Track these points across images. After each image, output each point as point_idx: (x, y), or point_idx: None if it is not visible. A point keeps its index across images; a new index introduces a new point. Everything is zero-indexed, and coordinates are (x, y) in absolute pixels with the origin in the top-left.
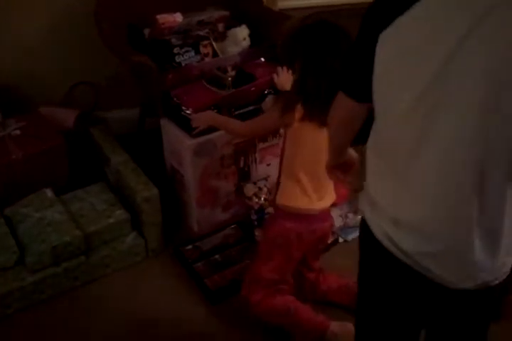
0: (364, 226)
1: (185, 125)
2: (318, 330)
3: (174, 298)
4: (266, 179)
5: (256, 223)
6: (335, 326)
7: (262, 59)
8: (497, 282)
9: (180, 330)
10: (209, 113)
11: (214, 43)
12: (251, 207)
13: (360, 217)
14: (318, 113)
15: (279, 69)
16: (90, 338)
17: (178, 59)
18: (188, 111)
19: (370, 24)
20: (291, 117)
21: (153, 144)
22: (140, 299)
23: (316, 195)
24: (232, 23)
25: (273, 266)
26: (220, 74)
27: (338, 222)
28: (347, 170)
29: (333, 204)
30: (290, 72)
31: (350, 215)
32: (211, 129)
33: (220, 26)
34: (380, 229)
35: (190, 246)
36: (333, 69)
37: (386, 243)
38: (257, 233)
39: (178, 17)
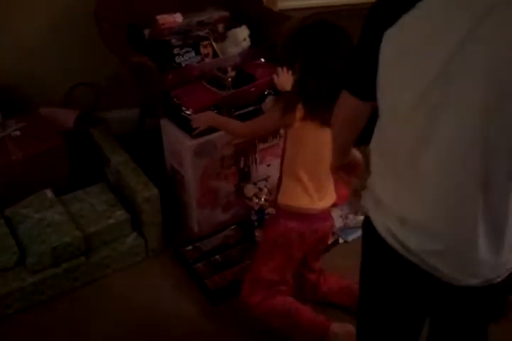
0: (368, 224)
1: (186, 125)
2: (318, 331)
3: (174, 298)
4: (266, 179)
5: (256, 223)
6: (336, 326)
7: (262, 59)
8: (499, 280)
9: (180, 330)
10: (209, 113)
11: (214, 44)
12: (251, 207)
13: (361, 217)
14: (319, 112)
15: (279, 69)
16: (90, 338)
17: (178, 59)
18: (188, 112)
19: (373, 23)
20: (292, 117)
21: (154, 144)
22: (140, 299)
23: (317, 194)
24: (232, 23)
25: (273, 266)
26: (220, 74)
27: (338, 223)
28: (351, 171)
29: (334, 205)
30: (290, 72)
31: (351, 216)
32: (211, 130)
33: (220, 27)
34: (384, 227)
35: (190, 247)
36: (334, 69)
37: (391, 241)
38: (257, 233)
39: (178, 17)
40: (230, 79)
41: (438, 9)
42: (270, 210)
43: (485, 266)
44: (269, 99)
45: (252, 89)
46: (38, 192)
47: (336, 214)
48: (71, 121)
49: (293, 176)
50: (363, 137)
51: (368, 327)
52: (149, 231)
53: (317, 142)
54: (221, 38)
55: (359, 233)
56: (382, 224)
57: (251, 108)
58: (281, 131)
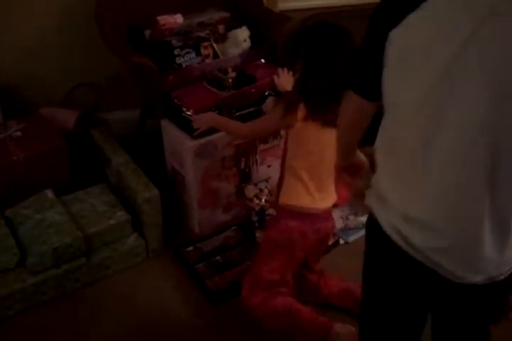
0: (372, 222)
1: (186, 126)
2: (320, 331)
3: (175, 299)
4: (267, 180)
5: (257, 224)
6: (338, 326)
7: (263, 60)
8: (502, 277)
9: (180, 331)
10: (210, 114)
11: (215, 45)
12: (252, 208)
13: (361, 218)
14: (321, 112)
15: (280, 70)
16: (91, 339)
17: (178, 60)
18: (188, 113)
19: (378, 24)
20: (293, 117)
21: (154, 145)
22: (141, 300)
23: (318, 194)
24: (233, 24)
25: (274, 266)
26: (221, 75)
27: (339, 224)
28: (355, 173)
29: (334, 206)
30: (290, 73)
31: (351, 217)
32: (212, 130)
33: (221, 28)
34: (389, 224)
35: (191, 248)
36: (335, 69)
37: (396, 238)
38: (257, 234)
39: (178, 18)
40: (230, 80)
41: (442, 9)
42: (271, 211)
43: (489, 263)
44: (269, 100)
45: (253, 90)
46: (39, 192)
47: (336, 215)
48: (72, 121)
49: (294, 176)
50: (367, 137)
51: (370, 324)
52: (150, 232)
53: (318, 142)
54: (222, 38)
55: (360, 234)
56: (386, 221)
57: (251, 109)
58: (282, 132)
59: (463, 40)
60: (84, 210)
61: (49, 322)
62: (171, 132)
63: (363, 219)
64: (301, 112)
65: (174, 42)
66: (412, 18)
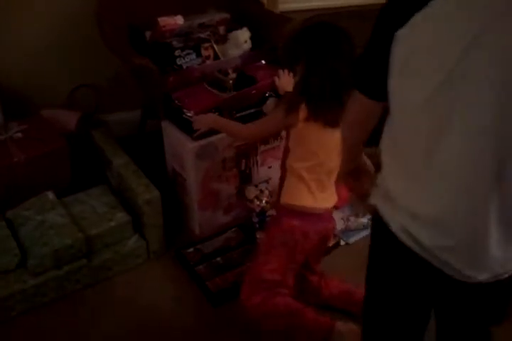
0: (377, 221)
1: (187, 127)
2: (323, 329)
3: (175, 300)
4: (267, 181)
5: (257, 226)
6: (340, 325)
7: (263, 61)
8: (507, 275)
9: (181, 333)
10: (210, 115)
11: (215, 46)
12: (252, 209)
13: (362, 220)
14: (322, 112)
15: (280, 71)
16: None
17: (179, 61)
18: (189, 114)
19: (384, 24)
20: (295, 118)
21: (155, 146)
22: (142, 301)
23: (320, 194)
24: (233, 25)
25: (275, 265)
26: (221, 76)
27: (339, 225)
28: (359, 178)
29: (335, 207)
30: (291, 74)
31: (352, 218)
32: (212, 132)
33: (221, 29)
34: (397, 223)
35: (191, 249)
36: (336, 70)
37: (403, 237)
38: (258, 236)
39: (179, 20)
40: (231, 82)
41: (448, 9)
42: (271, 212)
43: (495, 261)
44: (270, 101)
45: (253, 91)
46: (40, 194)
47: (337, 216)
48: (73, 123)
49: (296, 176)
50: (371, 138)
51: (373, 322)
52: (151, 234)
53: (320, 142)
54: (222, 40)
55: (360, 235)
56: (394, 220)
57: (252, 110)
58: (283, 133)
59: (467, 42)
60: (85, 212)
61: (49, 324)
62: (171, 133)
63: (364, 220)
64: (302, 113)
65: (175, 43)
66: (418, 18)
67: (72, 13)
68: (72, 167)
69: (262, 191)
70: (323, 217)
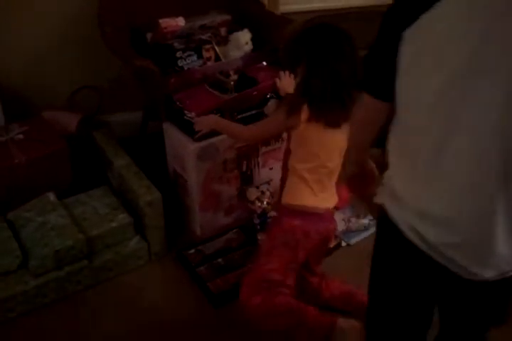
0: (384, 218)
1: (188, 129)
2: (325, 327)
3: (177, 301)
4: (268, 183)
5: (258, 227)
6: (342, 321)
7: (264, 63)
8: None
9: (182, 334)
10: (212, 117)
11: (216, 47)
12: (253, 211)
13: (363, 221)
14: (324, 114)
15: (282, 73)
16: None
17: (180, 63)
18: (190, 115)
19: (391, 24)
20: (297, 119)
21: (156, 148)
22: (143, 302)
23: (321, 194)
24: (235, 27)
25: (276, 266)
26: (223, 78)
27: (340, 226)
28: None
29: (336, 208)
30: (292, 76)
31: (353, 219)
32: (213, 133)
33: (223, 30)
34: (404, 222)
35: (192, 250)
36: (337, 71)
37: (410, 235)
38: (259, 237)
39: (180, 21)
40: (232, 83)
41: (456, 9)
42: (273, 214)
43: (502, 259)
44: (271, 103)
45: (255, 92)
46: (41, 195)
47: (338, 217)
48: (74, 124)
49: (298, 177)
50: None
51: (377, 319)
52: (152, 235)
53: (321, 143)
54: (223, 41)
55: (361, 236)
56: (401, 219)
57: (253, 111)
58: (284, 135)
59: (474, 42)
60: (86, 213)
61: (50, 325)
62: (172, 135)
63: (365, 221)
64: (304, 114)
65: (176, 45)
66: (425, 18)
67: (72, 13)
68: (74, 168)
69: (263, 192)
70: (325, 217)
